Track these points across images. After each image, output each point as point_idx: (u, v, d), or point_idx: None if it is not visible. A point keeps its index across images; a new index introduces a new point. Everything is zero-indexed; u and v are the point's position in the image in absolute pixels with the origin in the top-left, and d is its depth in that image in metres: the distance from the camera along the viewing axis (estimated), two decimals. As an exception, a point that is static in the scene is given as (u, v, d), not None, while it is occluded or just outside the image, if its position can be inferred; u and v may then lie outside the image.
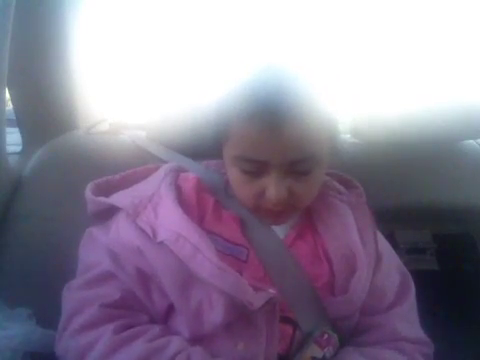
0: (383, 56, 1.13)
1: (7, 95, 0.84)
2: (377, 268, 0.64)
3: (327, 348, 0.56)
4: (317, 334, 0.56)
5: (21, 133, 0.96)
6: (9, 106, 0.91)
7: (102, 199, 0.62)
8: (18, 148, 0.95)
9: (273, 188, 0.55)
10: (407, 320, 0.64)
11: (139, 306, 0.57)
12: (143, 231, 0.56)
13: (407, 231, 0.95)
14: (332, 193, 0.68)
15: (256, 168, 0.56)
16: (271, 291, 0.55)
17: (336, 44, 1.07)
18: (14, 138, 0.96)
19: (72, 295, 0.58)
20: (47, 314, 0.57)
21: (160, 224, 0.57)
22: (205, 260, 0.53)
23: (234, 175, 0.59)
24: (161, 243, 0.55)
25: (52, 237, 0.76)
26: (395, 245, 0.89)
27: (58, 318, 0.57)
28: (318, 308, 0.58)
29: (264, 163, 0.55)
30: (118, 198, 0.62)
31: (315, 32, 1.06)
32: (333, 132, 0.59)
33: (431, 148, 0.93)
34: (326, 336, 0.57)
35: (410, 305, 0.65)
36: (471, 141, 1.00)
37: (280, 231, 0.63)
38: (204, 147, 0.77)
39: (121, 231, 0.58)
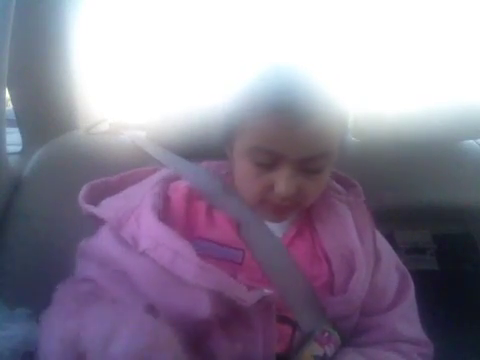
0: (384, 56, 1.13)
1: (7, 95, 0.84)
2: (376, 268, 0.64)
3: (328, 346, 0.56)
4: (318, 332, 0.56)
5: (21, 133, 0.96)
6: (9, 106, 0.91)
7: (89, 207, 0.63)
8: (18, 148, 0.95)
9: (284, 182, 0.55)
10: (407, 320, 0.64)
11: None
12: (123, 242, 0.57)
13: (407, 231, 0.96)
14: (331, 193, 0.68)
15: (270, 160, 0.56)
16: (266, 290, 0.54)
17: (336, 43, 1.07)
18: (14, 138, 0.96)
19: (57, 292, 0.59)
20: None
21: (142, 234, 0.57)
22: (186, 263, 0.54)
23: (244, 168, 0.59)
24: (143, 253, 0.55)
25: (52, 237, 0.76)
26: (395, 245, 0.89)
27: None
28: (317, 308, 0.58)
29: (280, 156, 0.55)
30: (106, 207, 0.63)
31: (316, 31, 1.06)
32: (344, 130, 0.59)
33: (431, 148, 0.93)
34: (327, 334, 0.57)
35: (409, 304, 0.65)
36: (471, 141, 1.00)
37: (277, 230, 0.63)
38: (204, 147, 0.77)
39: (107, 243, 0.59)
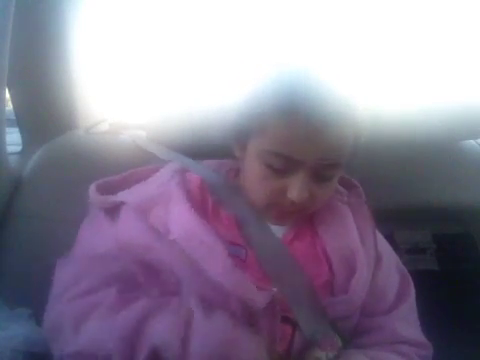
0: (383, 56, 1.13)
1: (7, 95, 0.84)
2: (377, 268, 0.64)
3: (329, 350, 0.56)
4: (319, 336, 0.56)
5: (21, 133, 0.96)
6: (9, 106, 0.91)
7: (110, 197, 0.62)
8: (18, 148, 0.95)
9: (297, 188, 0.55)
10: (407, 321, 0.64)
11: (138, 286, 0.57)
12: (152, 228, 0.57)
13: (407, 231, 0.95)
14: (332, 194, 0.68)
15: (285, 166, 0.55)
16: (273, 289, 0.55)
17: (336, 43, 1.07)
18: (14, 138, 0.96)
19: (69, 268, 0.59)
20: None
21: (172, 222, 0.57)
22: (215, 259, 0.54)
23: (257, 170, 0.58)
24: (172, 240, 0.55)
25: (52, 237, 0.75)
26: (395, 245, 0.89)
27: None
28: (318, 308, 0.58)
29: (296, 162, 0.55)
30: (125, 196, 0.62)
31: (316, 31, 1.06)
32: (357, 139, 0.59)
33: (431, 148, 0.93)
34: (328, 338, 0.57)
35: (410, 306, 0.65)
36: (471, 141, 1.00)
37: (278, 230, 0.63)
38: (204, 147, 0.77)
39: (129, 228, 0.59)
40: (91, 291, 0.55)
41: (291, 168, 0.55)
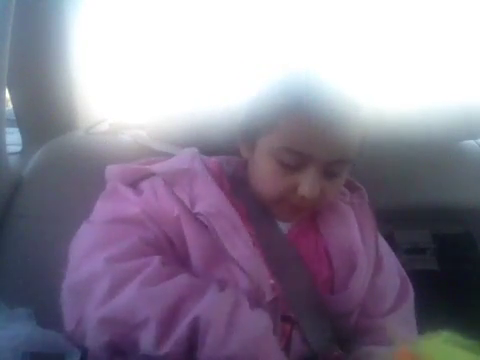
0: (383, 56, 1.13)
1: (7, 95, 0.84)
2: (378, 269, 0.64)
3: None
4: (326, 351, 0.56)
5: (21, 133, 0.96)
6: (9, 106, 0.91)
7: (140, 166, 0.62)
8: (18, 148, 0.95)
9: (309, 184, 0.56)
10: (407, 324, 0.64)
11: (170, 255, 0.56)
12: (179, 199, 0.57)
13: (407, 231, 0.95)
14: None
15: (296, 162, 0.56)
16: (273, 282, 0.56)
17: (336, 44, 1.07)
18: (14, 138, 0.96)
19: (96, 228, 0.57)
20: (47, 314, 0.57)
21: (197, 197, 0.57)
22: (240, 240, 0.55)
23: (268, 167, 0.59)
24: (196, 216, 0.55)
25: (52, 237, 0.75)
26: (395, 245, 0.89)
27: (58, 318, 0.56)
28: (317, 304, 0.58)
29: (307, 157, 0.55)
30: (154, 168, 0.62)
31: (316, 31, 1.06)
32: (364, 136, 0.60)
33: (431, 148, 0.93)
34: (335, 354, 0.56)
35: (410, 308, 0.66)
36: (471, 141, 1.00)
37: (283, 227, 0.63)
38: (205, 146, 0.77)
39: (160, 197, 0.58)
40: (132, 256, 0.52)
41: (302, 164, 0.56)
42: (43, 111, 0.94)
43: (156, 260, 0.51)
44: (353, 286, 0.60)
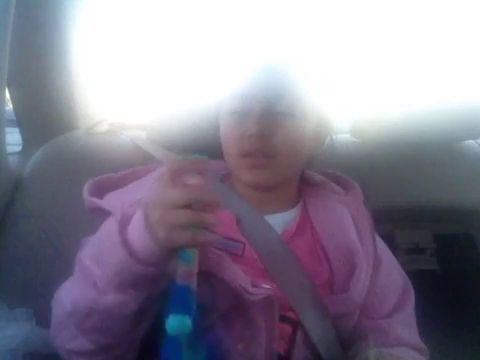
0: (383, 56, 1.13)
1: (7, 95, 0.84)
2: (378, 270, 0.64)
3: None
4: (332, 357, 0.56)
5: (21, 133, 0.96)
6: (9, 106, 0.91)
7: (94, 200, 0.62)
8: (18, 148, 0.95)
9: (253, 120, 0.59)
10: (408, 325, 0.64)
11: None
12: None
13: (407, 231, 0.96)
14: (329, 194, 0.68)
15: (242, 106, 0.61)
16: (268, 287, 0.55)
17: (336, 44, 1.07)
18: (14, 138, 0.96)
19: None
20: (47, 314, 0.57)
21: None
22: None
23: (224, 125, 0.64)
24: None
25: (52, 237, 0.76)
26: (395, 245, 0.90)
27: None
28: (319, 305, 0.58)
29: (249, 100, 0.60)
30: (111, 199, 0.62)
31: (316, 31, 1.06)
32: (310, 88, 0.63)
33: (431, 148, 0.93)
34: None
35: (411, 310, 0.66)
36: (471, 141, 1.00)
37: (278, 227, 0.62)
38: (204, 147, 0.77)
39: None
40: None
41: (248, 109, 0.60)
42: (43, 111, 0.94)
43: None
44: (354, 288, 0.59)
